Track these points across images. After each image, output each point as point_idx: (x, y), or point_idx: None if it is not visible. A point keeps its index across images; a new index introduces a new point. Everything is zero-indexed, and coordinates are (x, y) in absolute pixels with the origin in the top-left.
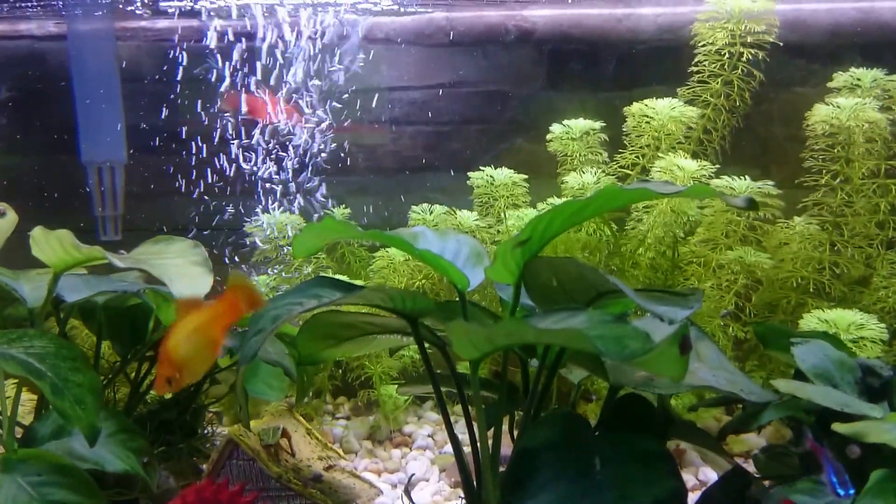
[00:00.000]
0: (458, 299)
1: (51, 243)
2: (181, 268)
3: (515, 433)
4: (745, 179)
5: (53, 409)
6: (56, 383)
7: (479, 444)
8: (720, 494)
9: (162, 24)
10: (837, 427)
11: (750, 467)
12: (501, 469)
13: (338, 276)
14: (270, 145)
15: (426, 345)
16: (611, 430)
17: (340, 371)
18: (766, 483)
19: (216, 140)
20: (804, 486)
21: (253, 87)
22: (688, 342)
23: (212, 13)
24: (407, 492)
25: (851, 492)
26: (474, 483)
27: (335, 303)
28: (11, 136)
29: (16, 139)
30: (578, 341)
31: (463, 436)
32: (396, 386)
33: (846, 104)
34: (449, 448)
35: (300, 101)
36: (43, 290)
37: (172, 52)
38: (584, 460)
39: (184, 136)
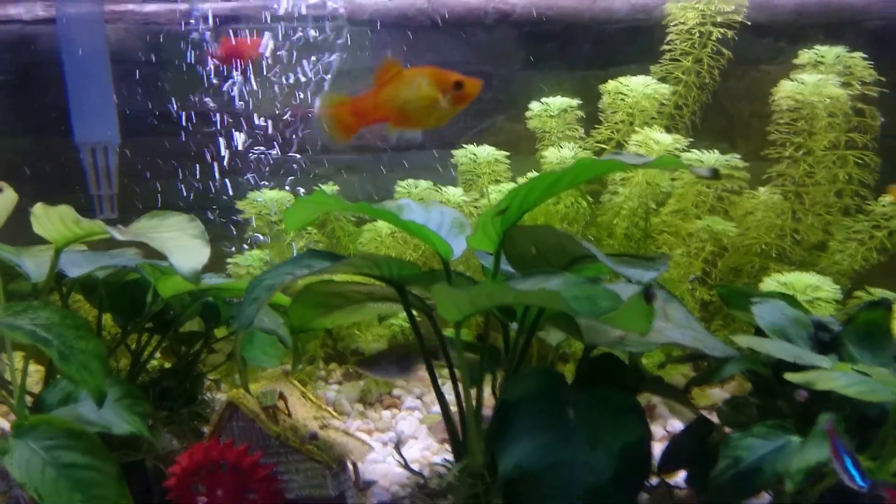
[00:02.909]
0: (442, 269)
1: (52, 219)
2: (179, 240)
3: (498, 393)
4: (714, 153)
5: (62, 375)
6: (63, 350)
7: (463, 400)
8: (686, 441)
9: (150, 7)
10: (790, 376)
11: (715, 419)
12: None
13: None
14: (260, 124)
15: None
16: (584, 385)
17: (332, 339)
18: (728, 430)
19: (206, 120)
20: (759, 430)
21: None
22: (651, 293)
23: None
24: (397, 447)
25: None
26: (460, 435)
27: (325, 270)
28: (5, 118)
29: (9, 122)
30: (554, 301)
31: (450, 396)
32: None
33: (810, 80)
34: (436, 408)
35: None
36: (45, 266)
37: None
38: (558, 411)
39: (172, 118)
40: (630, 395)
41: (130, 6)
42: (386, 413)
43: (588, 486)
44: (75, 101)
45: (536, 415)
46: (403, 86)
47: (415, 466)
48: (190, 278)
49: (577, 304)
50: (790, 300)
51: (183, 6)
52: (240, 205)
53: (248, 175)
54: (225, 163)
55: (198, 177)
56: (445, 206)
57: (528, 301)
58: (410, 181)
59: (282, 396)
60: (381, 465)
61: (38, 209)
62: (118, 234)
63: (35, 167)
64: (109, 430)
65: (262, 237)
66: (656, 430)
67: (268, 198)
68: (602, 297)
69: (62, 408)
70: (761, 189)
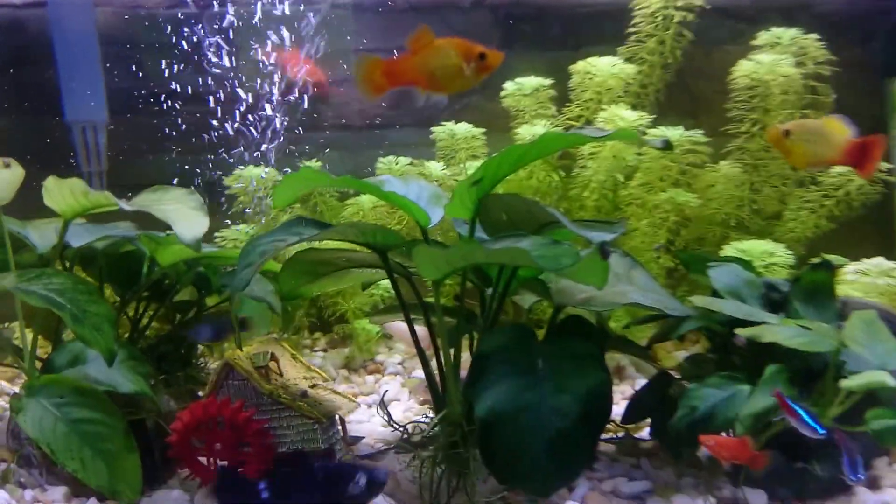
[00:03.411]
0: (421, 238)
1: (62, 191)
2: (181, 212)
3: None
4: (679, 129)
5: (75, 336)
6: (76, 313)
7: (442, 354)
8: (647, 394)
9: None
10: (740, 331)
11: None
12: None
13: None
14: (246, 105)
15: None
16: (552, 339)
17: (316, 308)
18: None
19: (191, 100)
20: (713, 381)
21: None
22: (607, 250)
23: None
24: (382, 403)
25: (863, 476)
26: (439, 386)
27: (315, 237)
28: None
29: (1, 102)
30: (522, 258)
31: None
32: (369, 320)
33: (766, 60)
34: (417, 373)
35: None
36: (50, 237)
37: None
38: (529, 361)
39: (158, 98)
40: (592, 344)
41: None
42: (370, 378)
43: (556, 427)
44: (66, 81)
45: (509, 364)
46: (434, 53)
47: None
48: (192, 245)
49: (542, 261)
50: (744, 264)
51: None
52: (227, 181)
53: (234, 153)
54: (210, 141)
55: (183, 154)
56: (423, 181)
57: (499, 259)
58: (391, 157)
59: (273, 357)
60: (365, 424)
61: (50, 182)
62: (126, 205)
63: (26, 145)
64: (115, 389)
65: (247, 211)
66: (625, 389)
67: (253, 174)
68: (563, 254)
69: (70, 369)
70: (722, 163)
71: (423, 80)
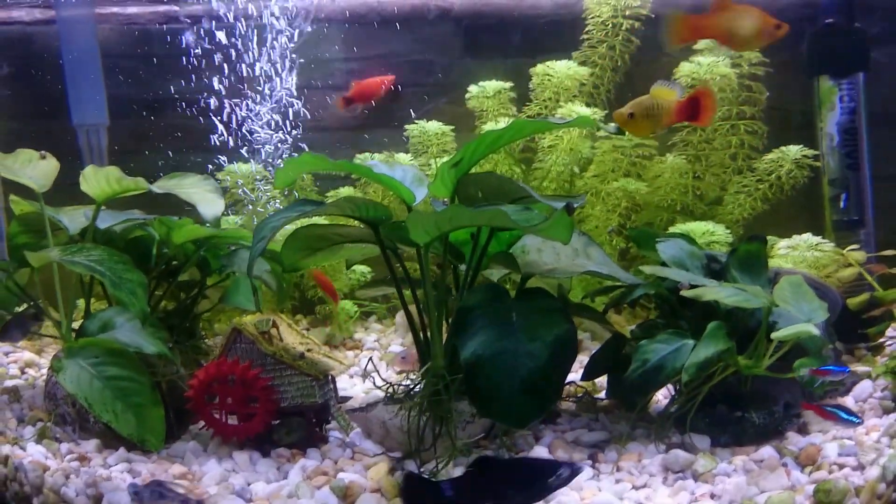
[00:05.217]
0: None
1: (98, 179)
2: (201, 194)
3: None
4: None
5: (113, 300)
6: (114, 280)
7: (427, 312)
8: (603, 353)
9: (131, 9)
10: (684, 292)
11: None
12: None
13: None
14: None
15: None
16: (523, 297)
17: (299, 292)
18: None
19: (180, 105)
20: (662, 337)
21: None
22: (572, 208)
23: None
24: (370, 360)
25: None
26: (421, 337)
27: (316, 213)
28: (12, 104)
29: (12, 107)
30: (501, 219)
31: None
32: (349, 301)
33: (705, 62)
34: (393, 348)
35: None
36: (79, 221)
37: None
38: (504, 314)
39: (150, 103)
40: (557, 301)
41: (114, 9)
42: (350, 353)
43: (529, 368)
44: (72, 89)
45: (488, 316)
46: (736, 15)
47: (378, 393)
48: (213, 223)
49: (519, 221)
50: (688, 239)
51: (160, 8)
52: (219, 175)
53: (225, 151)
54: (198, 140)
55: (176, 152)
56: (407, 165)
57: (482, 221)
58: (366, 154)
59: (274, 324)
60: (349, 390)
61: (89, 170)
62: (156, 188)
63: (36, 146)
64: (141, 351)
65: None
66: (583, 359)
67: (242, 170)
68: (534, 217)
69: (101, 335)
70: (668, 155)
71: (722, 37)
